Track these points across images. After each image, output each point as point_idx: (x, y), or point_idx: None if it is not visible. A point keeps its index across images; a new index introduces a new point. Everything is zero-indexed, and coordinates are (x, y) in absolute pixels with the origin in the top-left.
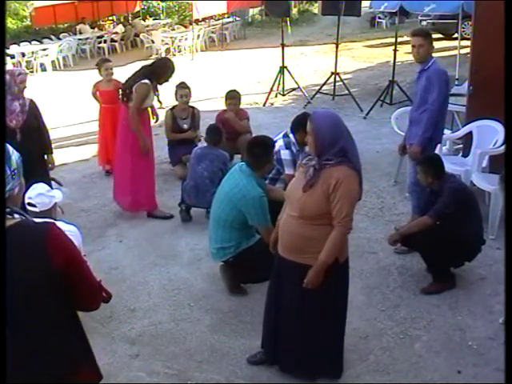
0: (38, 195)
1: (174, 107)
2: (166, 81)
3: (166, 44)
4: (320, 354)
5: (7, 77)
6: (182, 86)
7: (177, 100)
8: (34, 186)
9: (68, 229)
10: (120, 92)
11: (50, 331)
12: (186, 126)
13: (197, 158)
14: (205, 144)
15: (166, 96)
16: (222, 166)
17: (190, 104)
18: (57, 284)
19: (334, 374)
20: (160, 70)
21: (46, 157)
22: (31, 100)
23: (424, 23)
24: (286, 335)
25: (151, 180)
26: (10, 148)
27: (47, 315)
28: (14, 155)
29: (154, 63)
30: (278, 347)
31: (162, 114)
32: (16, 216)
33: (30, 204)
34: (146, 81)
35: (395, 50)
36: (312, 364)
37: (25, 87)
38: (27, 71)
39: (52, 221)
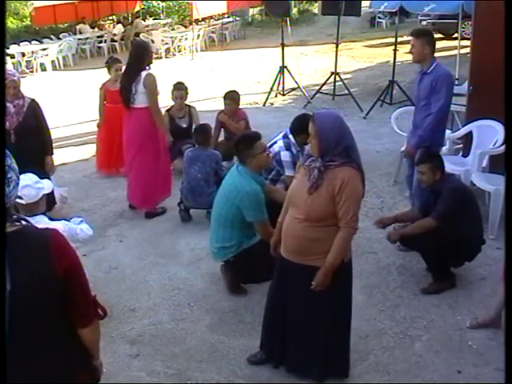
0: (25, 187)
1: (170, 108)
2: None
3: (166, 44)
4: (328, 353)
5: None
6: (178, 88)
7: (173, 100)
8: (22, 176)
9: (57, 225)
10: (123, 98)
11: (49, 339)
12: (184, 125)
13: (189, 161)
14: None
15: (163, 96)
16: (214, 165)
17: (189, 103)
18: (58, 291)
19: (343, 372)
20: (142, 55)
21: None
22: (33, 100)
23: (424, 23)
24: (294, 336)
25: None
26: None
27: (48, 322)
28: (11, 158)
29: (132, 56)
30: (285, 348)
31: None
32: (23, 223)
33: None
34: (148, 71)
35: (395, 50)
36: (321, 364)
37: (14, 93)
38: (17, 74)
39: (55, 228)
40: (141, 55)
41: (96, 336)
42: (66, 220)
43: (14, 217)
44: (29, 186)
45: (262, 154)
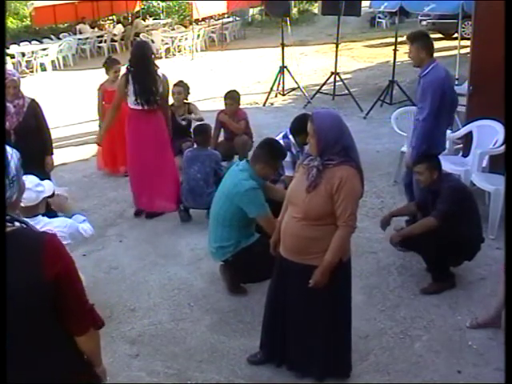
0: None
1: (172, 104)
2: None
3: (166, 44)
4: (328, 353)
5: None
6: (177, 84)
7: (172, 97)
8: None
9: (57, 224)
10: (143, 100)
11: (49, 340)
12: (184, 123)
13: (188, 161)
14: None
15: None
16: (214, 165)
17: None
18: (50, 296)
19: (343, 373)
20: (148, 55)
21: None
22: (33, 100)
23: (424, 23)
24: (294, 335)
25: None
26: (9, 151)
27: (46, 323)
28: (14, 158)
29: (137, 58)
30: (285, 348)
31: None
32: (16, 224)
33: None
34: (162, 73)
35: (395, 50)
36: (321, 364)
37: (14, 92)
38: (17, 74)
39: (53, 230)
40: (147, 55)
41: (94, 344)
42: (67, 217)
43: (7, 217)
44: (29, 189)
45: (273, 171)
